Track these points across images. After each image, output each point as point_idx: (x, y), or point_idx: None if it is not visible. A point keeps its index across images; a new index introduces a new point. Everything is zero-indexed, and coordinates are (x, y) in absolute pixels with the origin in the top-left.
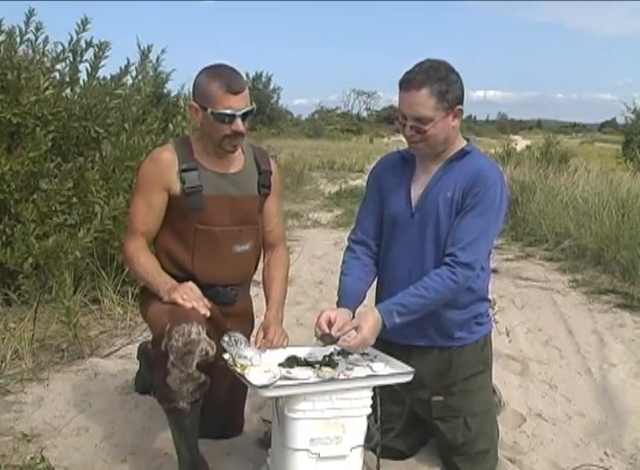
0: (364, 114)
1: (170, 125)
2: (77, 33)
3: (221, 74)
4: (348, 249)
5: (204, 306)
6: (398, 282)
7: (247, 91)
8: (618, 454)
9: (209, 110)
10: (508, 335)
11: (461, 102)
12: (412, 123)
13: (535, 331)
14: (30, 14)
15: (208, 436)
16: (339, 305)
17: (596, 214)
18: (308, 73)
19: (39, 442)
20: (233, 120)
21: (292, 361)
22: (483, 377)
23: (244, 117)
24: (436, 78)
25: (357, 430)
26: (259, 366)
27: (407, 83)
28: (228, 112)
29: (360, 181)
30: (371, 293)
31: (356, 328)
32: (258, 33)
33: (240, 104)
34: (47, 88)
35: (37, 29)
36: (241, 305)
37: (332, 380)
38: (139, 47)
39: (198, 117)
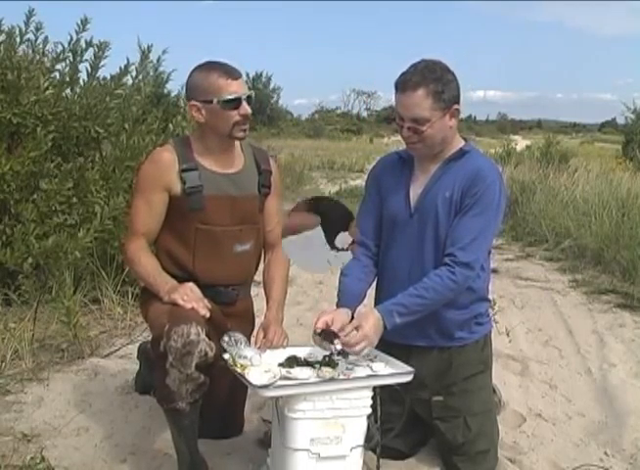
0: (364, 114)
1: (170, 125)
2: (77, 33)
3: (216, 66)
4: None
5: (203, 307)
6: (398, 282)
7: (243, 77)
8: (618, 454)
9: (215, 100)
10: (508, 335)
11: (457, 101)
12: (409, 124)
13: (535, 331)
14: (30, 14)
15: (208, 436)
16: (338, 305)
17: (596, 214)
18: (308, 73)
19: (39, 442)
20: (240, 105)
21: (292, 361)
22: (483, 377)
23: (248, 101)
24: (432, 79)
25: (357, 430)
26: (259, 366)
27: (403, 84)
28: (234, 96)
29: (360, 181)
30: (370, 292)
31: (357, 328)
32: (258, 33)
33: (242, 88)
34: (47, 88)
35: (37, 29)
36: (242, 306)
37: (332, 380)
38: (139, 47)
39: (201, 115)
